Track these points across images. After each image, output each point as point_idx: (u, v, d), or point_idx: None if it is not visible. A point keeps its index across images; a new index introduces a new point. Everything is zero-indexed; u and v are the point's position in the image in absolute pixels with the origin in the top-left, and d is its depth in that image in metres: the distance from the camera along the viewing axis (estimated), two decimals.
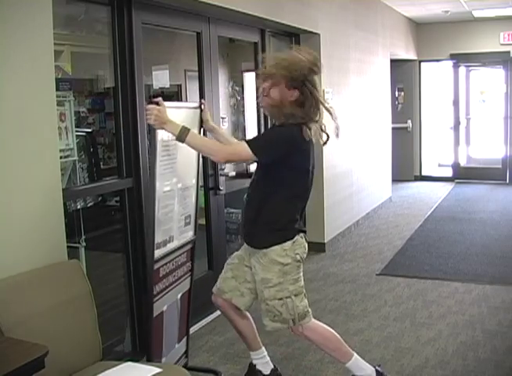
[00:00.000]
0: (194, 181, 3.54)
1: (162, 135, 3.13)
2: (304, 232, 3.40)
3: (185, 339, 3.72)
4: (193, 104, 3.48)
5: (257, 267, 3.34)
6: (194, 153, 3.48)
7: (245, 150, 3.11)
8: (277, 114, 3.26)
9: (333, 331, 3.49)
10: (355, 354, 3.50)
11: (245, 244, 3.49)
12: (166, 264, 3.26)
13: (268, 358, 3.70)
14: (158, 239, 3.13)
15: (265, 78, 3.22)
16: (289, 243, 3.27)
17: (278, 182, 3.24)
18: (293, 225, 3.31)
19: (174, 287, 3.39)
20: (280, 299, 3.30)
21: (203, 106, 3.49)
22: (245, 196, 3.41)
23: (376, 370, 3.50)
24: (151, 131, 3.11)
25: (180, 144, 3.13)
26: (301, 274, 3.39)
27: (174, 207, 3.31)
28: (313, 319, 3.43)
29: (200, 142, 3.26)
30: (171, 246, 3.29)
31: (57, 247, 3.10)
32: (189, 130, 3.10)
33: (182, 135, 3.07)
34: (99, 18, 4.22)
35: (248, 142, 3.15)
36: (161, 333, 3.30)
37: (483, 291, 5.34)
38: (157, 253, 3.13)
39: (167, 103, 3.14)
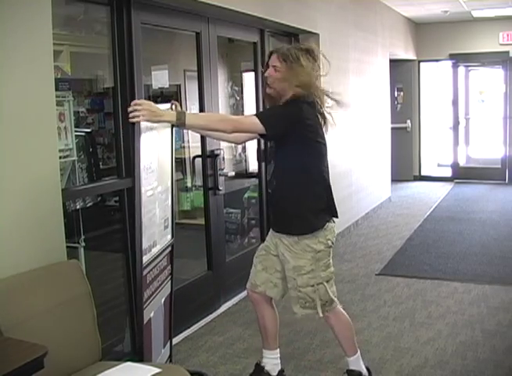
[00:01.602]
0: (169, 183, 3.52)
1: (145, 137, 3.05)
2: (334, 215, 3.44)
3: (169, 343, 3.69)
4: (166, 105, 3.31)
5: (286, 255, 3.37)
6: (168, 154, 3.45)
7: (252, 119, 3.17)
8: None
9: (351, 321, 3.60)
10: (359, 352, 3.58)
11: (271, 233, 3.52)
12: (152, 269, 3.22)
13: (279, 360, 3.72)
14: (145, 244, 3.10)
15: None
16: (320, 230, 3.33)
17: (297, 164, 3.29)
18: (323, 211, 3.36)
19: (158, 293, 3.37)
20: (313, 286, 3.36)
21: (173, 107, 3.31)
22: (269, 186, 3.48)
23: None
24: (134, 134, 3.01)
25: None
26: (331, 259, 3.45)
27: (156, 212, 3.27)
28: (338, 306, 3.51)
29: (202, 117, 3.29)
30: (154, 251, 3.25)
31: (56, 247, 3.10)
32: (184, 112, 3.09)
33: (181, 118, 3.04)
34: (99, 18, 4.22)
35: (256, 114, 3.23)
36: (150, 340, 3.27)
37: (482, 291, 5.34)
38: (144, 259, 3.11)
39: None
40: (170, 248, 3.56)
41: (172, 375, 2.88)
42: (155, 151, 3.22)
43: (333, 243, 3.41)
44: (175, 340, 4.35)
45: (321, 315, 3.43)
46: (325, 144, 3.38)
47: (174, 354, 3.92)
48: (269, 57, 3.41)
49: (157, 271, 3.33)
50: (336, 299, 3.46)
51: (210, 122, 3.25)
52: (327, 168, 3.43)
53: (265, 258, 3.54)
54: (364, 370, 3.58)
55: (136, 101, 3.02)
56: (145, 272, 3.10)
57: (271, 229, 3.55)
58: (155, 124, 3.08)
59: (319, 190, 3.35)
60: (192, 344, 4.40)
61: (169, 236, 3.53)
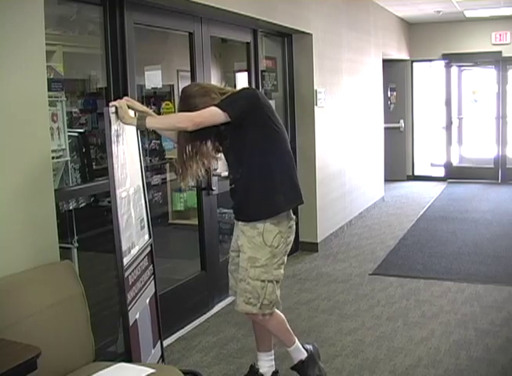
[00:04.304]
0: (140, 183, 3.52)
1: (116, 138, 3.07)
2: (300, 199, 3.49)
3: (159, 343, 3.68)
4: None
5: (245, 246, 3.38)
6: (136, 153, 3.48)
7: (212, 111, 3.17)
8: None
9: (283, 316, 3.61)
10: (297, 341, 3.65)
11: (235, 227, 3.56)
12: (133, 271, 3.21)
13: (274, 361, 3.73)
14: (124, 246, 3.09)
15: None
16: (285, 218, 3.38)
17: (258, 149, 3.31)
18: (286, 195, 3.38)
19: (142, 293, 3.37)
20: (263, 281, 3.36)
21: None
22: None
23: (309, 354, 3.69)
24: (106, 133, 3.02)
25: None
26: (285, 261, 3.48)
27: (132, 213, 3.27)
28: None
29: (163, 119, 3.40)
30: (133, 252, 3.25)
31: (49, 248, 3.10)
32: (145, 117, 3.13)
33: (141, 121, 3.10)
34: (91, 18, 4.21)
35: (216, 105, 3.20)
36: (138, 341, 3.27)
37: (475, 290, 5.36)
38: (125, 261, 3.09)
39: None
40: (149, 248, 3.56)
41: (166, 375, 2.88)
42: (125, 152, 3.23)
43: (290, 242, 3.45)
44: (169, 340, 4.35)
45: (257, 313, 3.42)
46: (283, 130, 3.43)
47: (167, 354, 3.93)
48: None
49: (139, 272, 3.33)
50: (280, 302, 3.49)
51: (170, 124, 3.30)
52: (289, 152, 3.45)
53: (236, 264, 3.55)
54: (305, 353, 3.66)
55: (119, 101, 3.10)
56: (126, 274, 3.10)
57: (235, 223, 3.56)
58: (125, 126, 3.15)
59: (282, 175, 3.37)
60: (186, 344, 4.40)
61: (146, 237, 3.53)
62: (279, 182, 3.35)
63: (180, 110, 3.38)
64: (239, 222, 3.46)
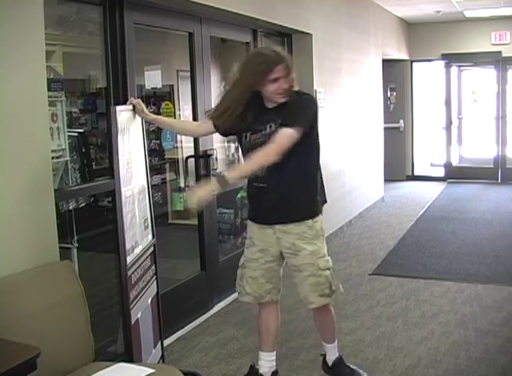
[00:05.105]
0: (145, 183, 3.52)
1: (121, 137, 3.08)
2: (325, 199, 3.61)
3: (159, 344, 3.68)
4: (129, 107, 3.37)
5: (299, 243, 3.37)
6: (142, 154, 3.49)
7: (289, 135, 3.12)
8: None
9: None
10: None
11: (264, 232, 3.45)
12: (136, 270, 3.22)
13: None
14: (127, 245, 3.10)
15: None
16: (320, 213, 3.47)
17: (309, 155, 3.36)
18: (321, 194, 3.49)
19: (144, 293, 3.37)
20: (329, 269, 3.45)
21: (131, 106, 3.37)
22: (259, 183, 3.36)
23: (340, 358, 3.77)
24: (110, 135, 3.03)
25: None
26: None
27: (136, 212, 3.28)
28: None
29: (245, 167, 3.32)
30: (137, 251, 3.25)
31: (49, 247, 3.10)
32: (223, 176, 3.07)
33: (221, 179, 3.05)
34: (91, 18, 4.21)
35: (289, 125, 3.13)
36: (139, 340, 3.27)
37: (475, 291, 5.36)
38: (128, 260, 3.10)
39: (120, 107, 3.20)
40: (152, 248, 3.56)
41: (166, 375, 2.88)
42: (130, 151, 3.23)
43: None
44: (169, 340, 4.35)
45: (329, 303, 3.53)
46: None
47: (167, 354, 3.93)
48: (273, 69, 3.23)
49: (142, 271, 3.34)
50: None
51: (256, 164, 3.18)
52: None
53: (266, 270, 3.51)
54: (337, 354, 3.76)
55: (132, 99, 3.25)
56: (129, 273, 3.10)
57: (263, 229, 3.47)
58: (131, 126, 3.18)
59: (317, 175, 3.45)
60: (186, 344, 4.40)
61: (150, 236, 3.53)
62: (320, 185, 3.46)
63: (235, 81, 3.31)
64: (277, 225, 3.41)
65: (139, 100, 3.44)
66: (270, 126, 3.27)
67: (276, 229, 3.42)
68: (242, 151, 3.46)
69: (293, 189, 3.34)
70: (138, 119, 3.45)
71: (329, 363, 3.76)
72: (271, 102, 3.32)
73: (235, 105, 3.28)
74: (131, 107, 3.35)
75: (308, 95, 3.45)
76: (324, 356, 3.80)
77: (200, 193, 3.06)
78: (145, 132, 3.57)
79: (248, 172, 3.26)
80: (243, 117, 3.32)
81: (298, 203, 3.39)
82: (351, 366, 3.77)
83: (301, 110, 3.27)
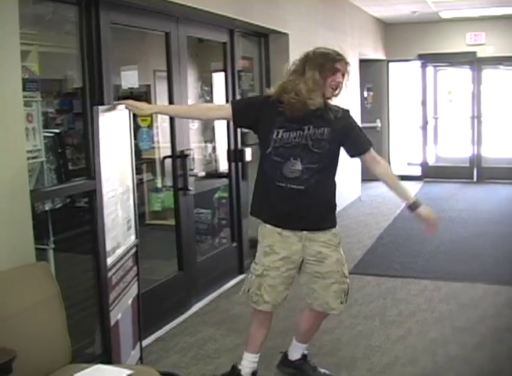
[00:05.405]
0: (130, 183, 3.50)
1: (105, 137, 3.06)
2: None
3: (138, 345, 3.67)
4: (121, 107, 3.38)
5: (325, 251, 3.41)
6: (128, 154, 3.48)
7: (371, 152, 3.71)
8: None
9: None
10: None
11: (290, 239, 3.40)
12: (117, 271, 3.21)
13: None
14: (108, 247, 3.07)
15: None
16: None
17: (335, 165, 3.52)
18: None
19: (125, 294, 3.35)
20: (347, 277, 3.54)
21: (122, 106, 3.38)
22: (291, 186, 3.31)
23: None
24: (87, 135, 3.06)
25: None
26: None
27: (119, 213, 3.26)
28: None
29: (401, 188, 3.80)
30: (118, 252, 3.24)
31: (25, 249, 3.07)
32: (416, 201, 3.61)
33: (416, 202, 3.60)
34: (67, 18, 4.18)
35: (370, 144, 3.73)
36: (118, 341, 3.25)
37: (452, 289, 5.40)
38: (109, 261, 3.08)
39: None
40: (135, 249, 3.55)
41: None
42: (115, 151, 3.21)
43: None
44: (146, 341, 4.33)
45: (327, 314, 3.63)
46: None
47: (145, 355, 3.91)
48: (337, 66, 3.56)
49: (123, 272, 3.32)
50: None
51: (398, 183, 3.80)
52: None
53: (286, 278, 3.51)
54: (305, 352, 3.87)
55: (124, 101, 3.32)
56: (110, 274, 3.09)
57: (287, 237, 3.40)
58: (114, 123, 3.17)
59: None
60: (164, 345, 4.38)
61: (133, 237, 3.52)
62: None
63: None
64: (304, 232, 3.39)
65: (131, 101, 3.39)
66: (309, 128, 3.32)
67: (303, 237, 3.39)
68: (266, 148, 3.34)
69: (327, 194, 3.42)
70: (125, 119, 3.43)
71: (293, 359, 3.81)
72: (313, 103, 3.35)
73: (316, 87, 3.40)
74: (122, 107, 3.35)
75: (349, 111, 3.80)
76: (285, 353, 3.85)
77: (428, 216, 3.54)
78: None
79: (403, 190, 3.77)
80: (271, 113, 3.34)
81: (328, 209, 3.46)
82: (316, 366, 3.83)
83: (360, 131, 3.76)
